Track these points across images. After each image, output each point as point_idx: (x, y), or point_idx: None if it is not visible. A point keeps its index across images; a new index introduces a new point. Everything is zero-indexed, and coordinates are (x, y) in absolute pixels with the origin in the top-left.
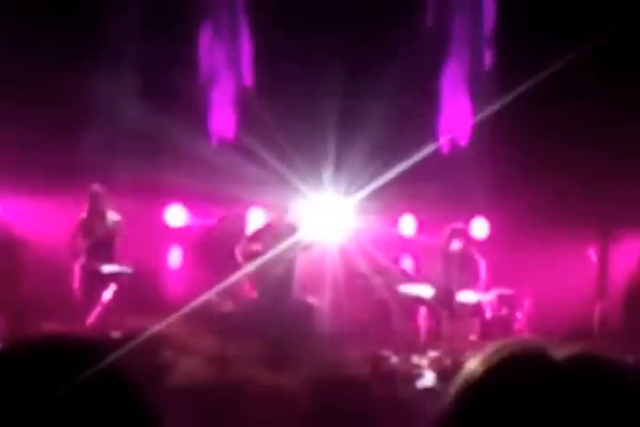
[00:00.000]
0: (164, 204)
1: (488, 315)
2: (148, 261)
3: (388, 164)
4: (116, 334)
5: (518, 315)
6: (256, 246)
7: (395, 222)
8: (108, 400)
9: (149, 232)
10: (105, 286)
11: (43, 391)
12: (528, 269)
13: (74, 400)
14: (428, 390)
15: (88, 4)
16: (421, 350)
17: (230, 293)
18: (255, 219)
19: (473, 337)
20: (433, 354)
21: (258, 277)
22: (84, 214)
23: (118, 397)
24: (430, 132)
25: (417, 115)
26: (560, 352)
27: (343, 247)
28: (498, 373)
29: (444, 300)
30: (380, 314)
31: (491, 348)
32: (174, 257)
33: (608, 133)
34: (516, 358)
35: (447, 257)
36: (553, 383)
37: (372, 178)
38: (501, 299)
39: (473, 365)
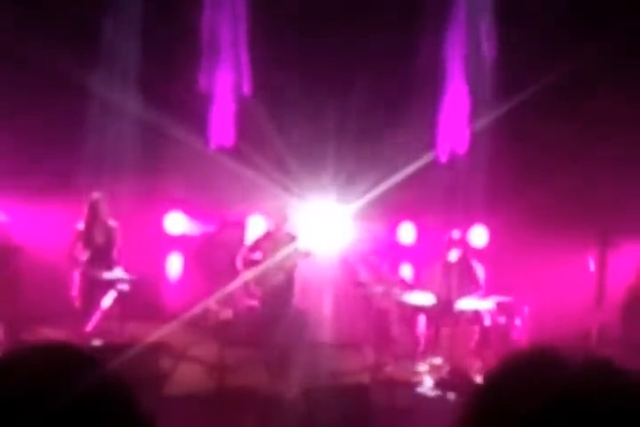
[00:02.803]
0: (164, 210)
1: (487, 323)
2: (147, 269)
3: (386, 172)
4: (96, 342)
5: (517, 322)
6: (256, 255)
7: (394, 230)
8: (104, 408)
9: (149, 239)
10: (104, 294)
11: (40, 399)
12: (526, 276)
13: (70, 408)
14: (427, 398)
15: (87, 10)
16: (420, 358)
17: (230, 301)
18: (255, 226)
19: (472, 345)
20: (432, 362)
21: (258, 286)
22: (83, 222)
23: (114, 405)
24: (429, 141)
25: (416, 123)
26: (574, 361)
27: (342, 255)
28: (516, 377)
29: (443, 308)
30: (379, 322)
31: (511, 355)
32: (174, 264)
33: (607, 142)
34: (533, 364)
35: (446, 265)
36: (566, 391)
37: (371, 186)
38: (500, 306)
39: (494, 369)
